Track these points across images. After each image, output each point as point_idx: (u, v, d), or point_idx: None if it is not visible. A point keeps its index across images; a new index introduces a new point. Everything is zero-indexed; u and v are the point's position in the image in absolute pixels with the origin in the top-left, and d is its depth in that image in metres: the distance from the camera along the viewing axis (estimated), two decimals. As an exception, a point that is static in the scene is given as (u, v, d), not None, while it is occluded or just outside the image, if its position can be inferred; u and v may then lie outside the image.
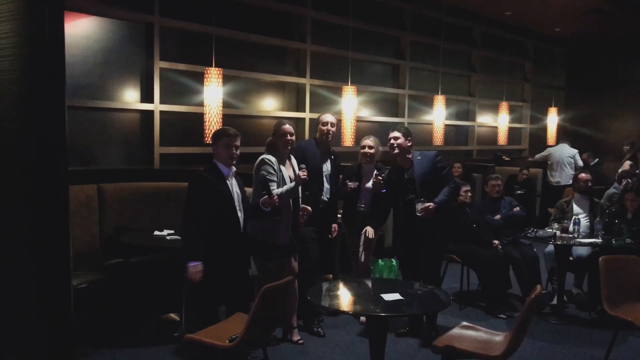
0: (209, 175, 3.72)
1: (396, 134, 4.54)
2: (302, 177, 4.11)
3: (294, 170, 4.43)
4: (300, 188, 4.30)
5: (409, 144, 4.56)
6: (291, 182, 4.28)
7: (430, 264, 4.56)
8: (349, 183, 4.88)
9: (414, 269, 4.59)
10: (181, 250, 3.74)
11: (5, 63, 3.31)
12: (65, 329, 3.39)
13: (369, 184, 4.92)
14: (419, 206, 4.36)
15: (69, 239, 3.73)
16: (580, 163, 9.27)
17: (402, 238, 4.65)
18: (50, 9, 3.22)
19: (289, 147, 4.39)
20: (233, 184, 3.81)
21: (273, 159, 4.27)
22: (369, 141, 5.00)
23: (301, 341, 4.50)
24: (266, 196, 3.82)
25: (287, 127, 4.37)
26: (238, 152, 3.81)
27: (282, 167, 4.32)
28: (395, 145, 4.52)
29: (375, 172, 4.70)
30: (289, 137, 4.34)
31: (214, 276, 3.66)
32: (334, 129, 4.86)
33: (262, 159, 4.23)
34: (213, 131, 4.02)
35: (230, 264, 3.74)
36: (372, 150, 4.98)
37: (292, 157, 4.50)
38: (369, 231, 4.86)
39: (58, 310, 3.36)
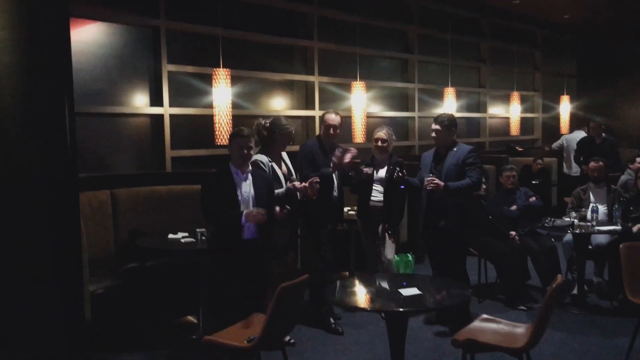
0: (218, 178, 3.85)
1: (438, 127, 4.61)
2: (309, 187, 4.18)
3: (287, 167, 4.47)
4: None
5: (451, 136, 4.64)
6: (285, 180, 4.32)
7: (453, 259, 4.53)
8: (364, 168, 4.82)
9: (441, 263, 4.59)
10: (229, 220, 3.79)
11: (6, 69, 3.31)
12: (80, 335, 3.38)
13: (382, 174, 4.89)
14: (427, 179, 4.43)
15: (80, 245, 3.74)
16: None
17: (429, 231, 4.66)
18: (55, 17, 3.21)
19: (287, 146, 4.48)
20: (244, 186, 3.84)
21: (265, 159, 4.27)
22: (381, 134, 4.95)
23: (292, 341, 4.42)
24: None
25: (292, 129, 4.43)
26: (251, 152, 3.84)
27: (274, 166, 4.31)
28: (436, 137, 4.64)
29: (397, 168, 4.64)
30: (292, 137, 4.44)
31: (228, 278, 3.79)
32: (339, 130, 4.76)
33: (254, 162, 4.17)
34: (227, 133, 4.06)
35: (243, 265, 3.79)
36: (385, 144, 4.93)
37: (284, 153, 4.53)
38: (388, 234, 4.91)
39: (72, 317, 3.35)
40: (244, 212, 3.72)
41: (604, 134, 8.44)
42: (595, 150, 7.93)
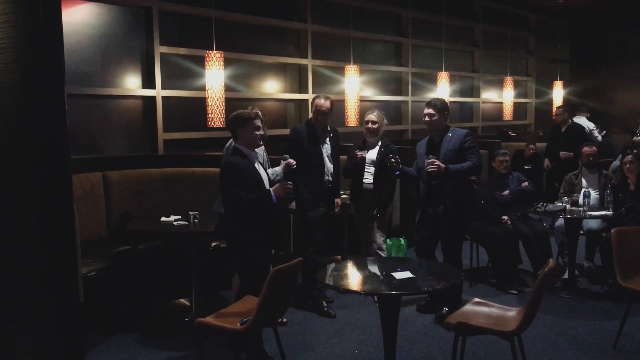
0: (240, 162, 3.66)
1: (431, 110, 4.52)
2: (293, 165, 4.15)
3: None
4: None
5: (444, 120, 4.57)
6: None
7: (450, 244, 4.53)
8: (358, 152, 4.82)
9: (432, 248, 4.59)
10: (262, 202, 3.66)
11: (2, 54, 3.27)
12: (73, 317, 3.38)
13: (373, 156, 4.90)
14: (428, 160, 4.35)
15: (74, 226, 3.72)
16: (599, 139, 8.71)
17: (425, 215, 4.66)
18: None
19: None
20: (259, 166, 3.83)
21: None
22: (372, 116, 4.96)
23: (285, 320, 4.46)
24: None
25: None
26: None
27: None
28: (430, 121, 4.54)
29: (390, 155, 4.61)
30: None
31: (256, 257, 3.73)
32: (328, 115, 4.74)
33: None
34: (232, 116, 3.84)
35: (269, 245, 3.82)
36: (375, 126, 4.94)
37: None
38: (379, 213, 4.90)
39: (65, 299, 3.35)
40: (270, 191, 3.66)
41: (570, 121, 8.32)
42: (561, 137, 7.91)
